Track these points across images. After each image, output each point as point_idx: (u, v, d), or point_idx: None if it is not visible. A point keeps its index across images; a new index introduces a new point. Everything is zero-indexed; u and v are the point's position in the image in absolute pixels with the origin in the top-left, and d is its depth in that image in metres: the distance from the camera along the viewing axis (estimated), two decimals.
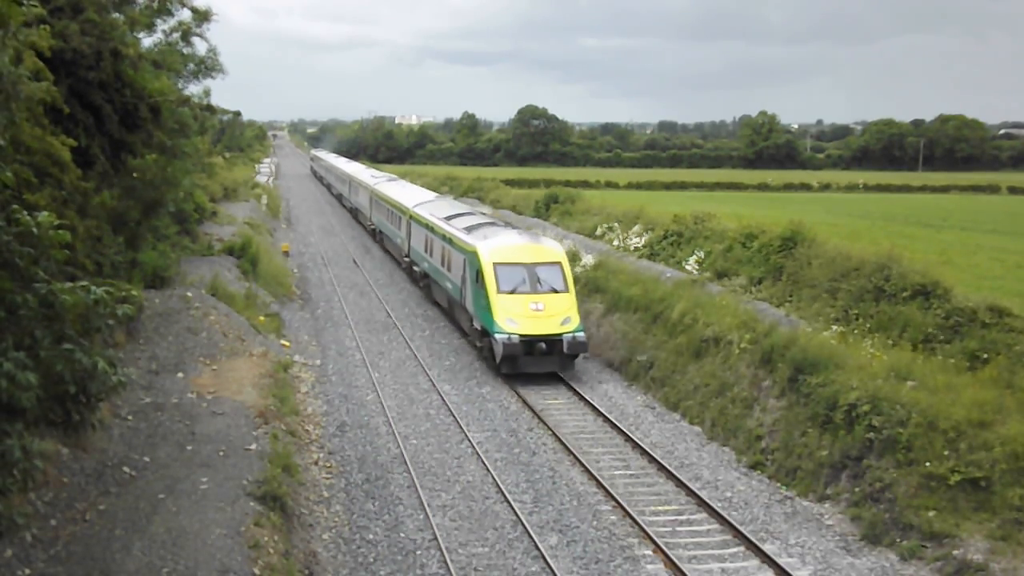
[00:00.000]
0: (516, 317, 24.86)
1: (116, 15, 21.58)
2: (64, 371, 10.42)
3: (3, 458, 9.20)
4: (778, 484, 18.68)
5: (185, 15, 27.57)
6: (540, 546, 15.21)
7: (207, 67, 32.34)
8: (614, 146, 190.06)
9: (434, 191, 58.67)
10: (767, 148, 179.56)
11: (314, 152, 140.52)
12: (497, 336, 24.66)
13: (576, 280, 33.95)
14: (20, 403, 9.52)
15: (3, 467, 9.29)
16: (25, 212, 10.32)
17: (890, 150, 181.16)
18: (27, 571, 10.99)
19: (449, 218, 33.38)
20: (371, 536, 15.72)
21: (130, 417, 16.94)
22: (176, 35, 28.65)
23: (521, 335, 24.60)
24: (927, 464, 15.89)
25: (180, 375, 20.04)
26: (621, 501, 17.10)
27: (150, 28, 26.83)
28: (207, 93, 36.52)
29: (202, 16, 27.76)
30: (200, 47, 30.74)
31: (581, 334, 25.28)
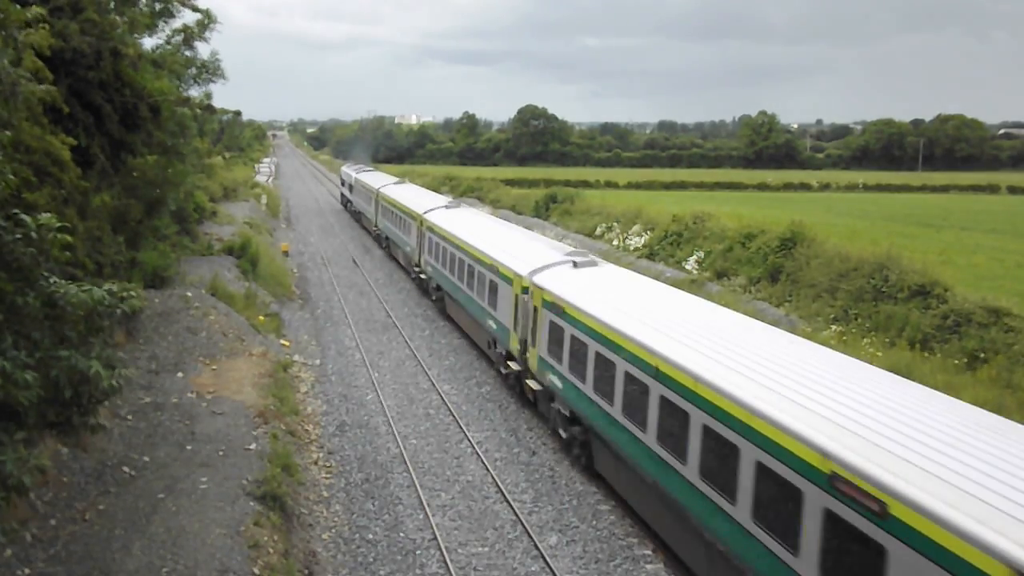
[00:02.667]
0: None
1: (118, 16, 21.61)
2: (59, 376, 10.44)
3: None
4: None
5: (188, 17, 27.70)
6: (540, 546, 15.22)
7: (209, 71, 32.39)
8: (614, 146, 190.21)
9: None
10: (767, 148, 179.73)
11: (352, 173, 70.73)
12: None
13: None
14: (18, 400, 9.52)
15: None
16: (27, 215, 10.34)
17: (890, 150, 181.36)
18: (27, 571, 10.99)
19: None
20: (371, 536, 15.72)
21: (130, 417, 16.95)
22: (178, 38, 28.78)
23: None
24: None
25: (180, 375, 20.05)
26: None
27: (151, 28, 26.89)
28: (208, 95, 36.59)
29: (206, 18, 27.88)
30: (203, 50, 30.84)
31: None
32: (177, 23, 28.31)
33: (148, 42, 27.72)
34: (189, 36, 28.64)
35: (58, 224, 10.61)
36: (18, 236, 10.04)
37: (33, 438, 11.40)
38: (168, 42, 28.84)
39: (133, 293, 11.68)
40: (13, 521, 11.37)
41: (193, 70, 31.59)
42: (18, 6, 11.58)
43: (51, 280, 10.54)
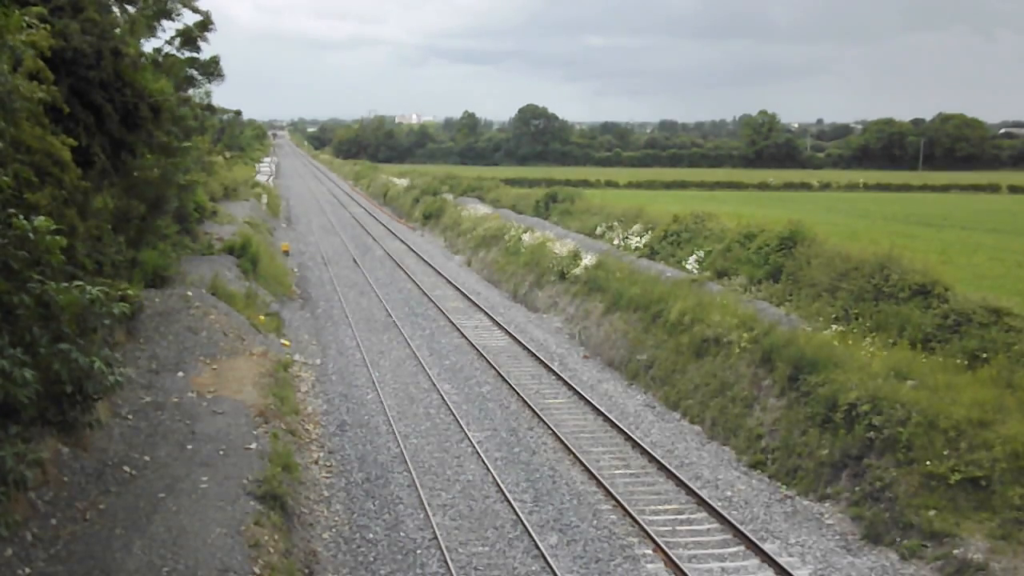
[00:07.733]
0: None
1: (117, 14, 21.58)
2: (61, 371, 10.43)
3: None
4: (778, 483, 18.69)
5: (188, 18, 27.67)
6: (540, 545, 15.22)
7: (207, 72, 32.28)
8: (614, 145, 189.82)
9: (434, 190, 57.84)
10: (767, 147, 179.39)
11: None
12: None
13: (576, 279, 34.05)
14: (18, 398, 9.52)
15: None
16: (21, 216, 10.35)
17: (890, 149, 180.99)
18: (27, 570, 11.00)
19: None
20: (371, 535, 15.73)
21: (130, 416, 16.94)
22: (178, 40, 28.76)
23: None
24: (927, 463, 15.90)
25: (180, 374, 20.04)
26: (621, 500, 17.10)
27: (151, 30, 26.85)
28: (208, 94, 36.53)
29: (206, 20, 27.85)
30: (204, 50, 30.73)
31: None
32: (178, 24, 28.28)
33: (147, 46, 27.67)
34: (189, 38, 28.56)
35: (54, 227, 10.61)
36: (11, 237, 10.05)
37: (32, 434, 11.38)
38: (170, 42, 28.81)
39: (130, 292, 11.67)
40: (16, 514, 11.36)
41: (190, 71, 31.46)
42: (17, 10, 11.55)
43: (42, 281, 10.54)
